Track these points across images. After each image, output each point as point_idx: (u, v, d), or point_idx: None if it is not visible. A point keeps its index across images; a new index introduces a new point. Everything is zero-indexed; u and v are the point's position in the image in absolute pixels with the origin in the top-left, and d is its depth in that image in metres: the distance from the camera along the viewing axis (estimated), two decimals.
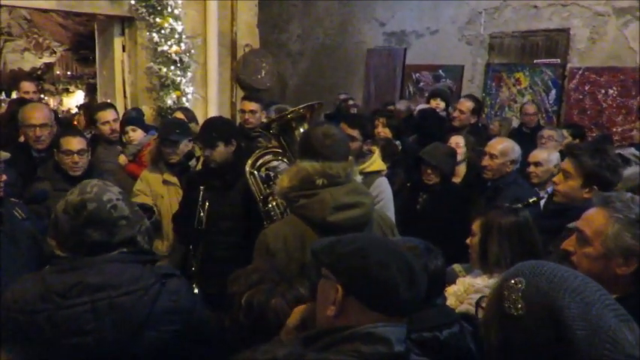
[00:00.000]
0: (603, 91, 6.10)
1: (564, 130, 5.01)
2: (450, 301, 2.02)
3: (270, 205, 2.62)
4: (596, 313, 1.06)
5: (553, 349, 1.04)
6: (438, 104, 5.22)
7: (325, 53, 9.28)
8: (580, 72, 6.29)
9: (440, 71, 7.63)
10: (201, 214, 2.99)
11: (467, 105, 4.89)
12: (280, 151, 2.72)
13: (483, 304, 1.20)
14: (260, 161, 2.86)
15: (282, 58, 9.90)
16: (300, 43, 9.72)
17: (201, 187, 3.03)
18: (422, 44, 7.86)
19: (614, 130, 6.03)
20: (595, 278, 1.47)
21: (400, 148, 4.26)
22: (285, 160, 2.70)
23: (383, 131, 4.33)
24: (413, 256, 1.34)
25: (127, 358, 1.61)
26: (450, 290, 2.08)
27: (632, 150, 4.80)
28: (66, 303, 1.57)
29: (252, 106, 4.38)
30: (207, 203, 2.99)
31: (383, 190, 2.98)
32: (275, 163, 2.82)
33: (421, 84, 7.83)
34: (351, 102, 6.95)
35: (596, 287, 1.12)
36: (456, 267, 2.36)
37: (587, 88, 6.23)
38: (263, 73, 6.03)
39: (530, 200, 2.43)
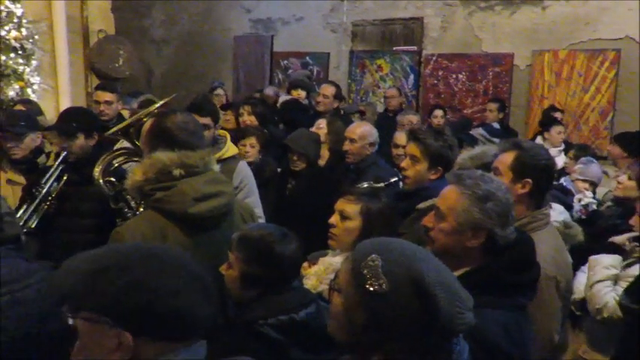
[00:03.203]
0: (454, 76, 6.63)
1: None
2: (312, 281, 2.05)
3: (121, 203, 2.50)
4: (445, 276, 1.14)
5: (419, 317, 1.09)
6: (299, 94, 5.32)
7: (192, 40, 8.98)
8: (434, 58, 6.75)
9: (307, 58, 7.75)
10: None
11: (330, 90, 5.07)
12: (131, 150, 2.59)
13: (335, 286, 1.19)
14: (113, 162, 2.70)
15: (146, 45, 9.39)
16: (164, 29, 9.29)
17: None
18: (289, 31, 7.92)
19: (465, 111, 6.59)
20: (449, 252, 1.60)
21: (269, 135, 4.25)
22: (137, 159, 2.57)
23: (249, 119, 4.30)
24: (196, 265, 1.15)
25: (32, 353, 1.52)
26: (311, 271, 2.11)
27: (480, 130, 5.29)
28: None
29: (107, 96, 4.08)
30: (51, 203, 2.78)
31: (246, 175, 2.96)
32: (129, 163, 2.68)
33: (290, 71, 7.89)
34: (220, 92, 6.79)
35: (431, 254, 1.20)
36: (329, 252, 2.38)
37: (440, 73, 6.72)
38: (121, 60, 5.65)
39: (383, 184, 2.55)
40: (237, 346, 1.65)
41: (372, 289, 1.10)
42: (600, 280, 2.42)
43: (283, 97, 5.39)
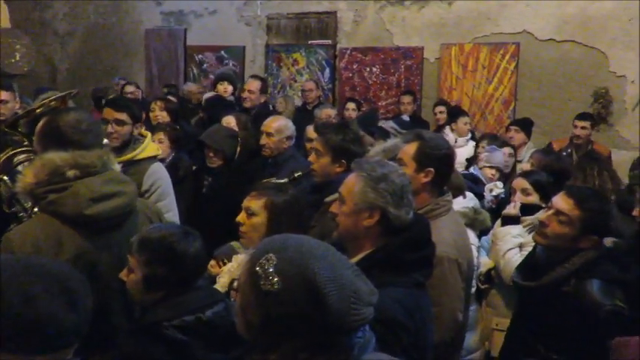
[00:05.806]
0: (368, 69, 6.76)
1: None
2: (224, 279, 2.02)
3: (17, 207, 2.34)
4: (339, 273, 1.15)
5: (311, 315, 1.09)
6: (226, 88, 5.17)
7: (99, 34, 8.54)
8: (348, 52, 6.85)
9: (222, 52, 7.61)
10: None
11: (255, 85, 4.95)
12: (31, 149, 2.42)
13: (235, 286, 1.18)
14: (12, 160, 2.51)
15: (48, 39, 8.83)
16: (68, 22, 8.78)
17: None
18: (202, 25, 7.73)
19: (380, 104, 6.75)
20: (350, 234, 1.67)
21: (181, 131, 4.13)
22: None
23: (161, 115, 4.15)
24: (60, 268, 1.12)
25: None
26: (225, 268, 2.08)
27: (391, 123, 5.43)
28: None
29: (2, 95, 3.78)
30: None
31: (159, 177, 2.82)
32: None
33: (205, 65, 7.72)
34: (131, 88, 6.51)
35: (333, 250, 1.21)
36: (235, 244, 2.36)
37: (355, 66, 6.84)
38: (18, 56, 5.26)
39: (296, 174, 2.57)
40: (143, 349, 1.59)
41: (264, 288, 1.10)
42: (511, 248, 2.60)
43: (207, 94, 5.25)
